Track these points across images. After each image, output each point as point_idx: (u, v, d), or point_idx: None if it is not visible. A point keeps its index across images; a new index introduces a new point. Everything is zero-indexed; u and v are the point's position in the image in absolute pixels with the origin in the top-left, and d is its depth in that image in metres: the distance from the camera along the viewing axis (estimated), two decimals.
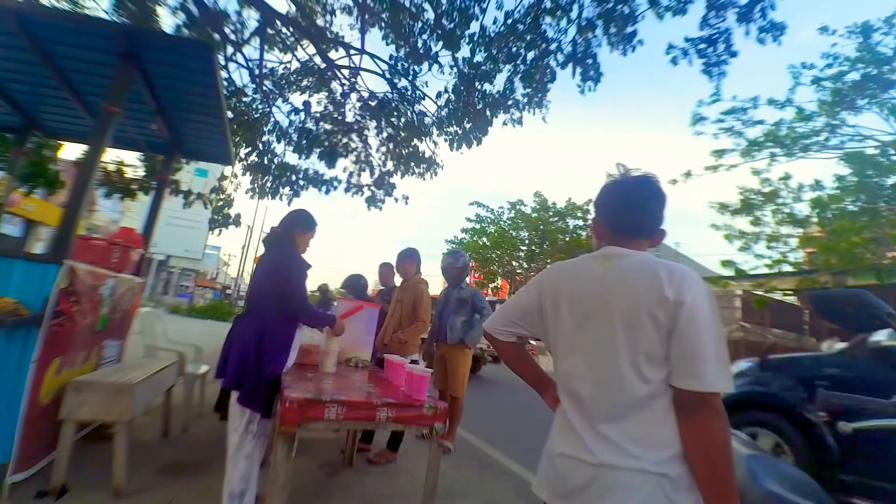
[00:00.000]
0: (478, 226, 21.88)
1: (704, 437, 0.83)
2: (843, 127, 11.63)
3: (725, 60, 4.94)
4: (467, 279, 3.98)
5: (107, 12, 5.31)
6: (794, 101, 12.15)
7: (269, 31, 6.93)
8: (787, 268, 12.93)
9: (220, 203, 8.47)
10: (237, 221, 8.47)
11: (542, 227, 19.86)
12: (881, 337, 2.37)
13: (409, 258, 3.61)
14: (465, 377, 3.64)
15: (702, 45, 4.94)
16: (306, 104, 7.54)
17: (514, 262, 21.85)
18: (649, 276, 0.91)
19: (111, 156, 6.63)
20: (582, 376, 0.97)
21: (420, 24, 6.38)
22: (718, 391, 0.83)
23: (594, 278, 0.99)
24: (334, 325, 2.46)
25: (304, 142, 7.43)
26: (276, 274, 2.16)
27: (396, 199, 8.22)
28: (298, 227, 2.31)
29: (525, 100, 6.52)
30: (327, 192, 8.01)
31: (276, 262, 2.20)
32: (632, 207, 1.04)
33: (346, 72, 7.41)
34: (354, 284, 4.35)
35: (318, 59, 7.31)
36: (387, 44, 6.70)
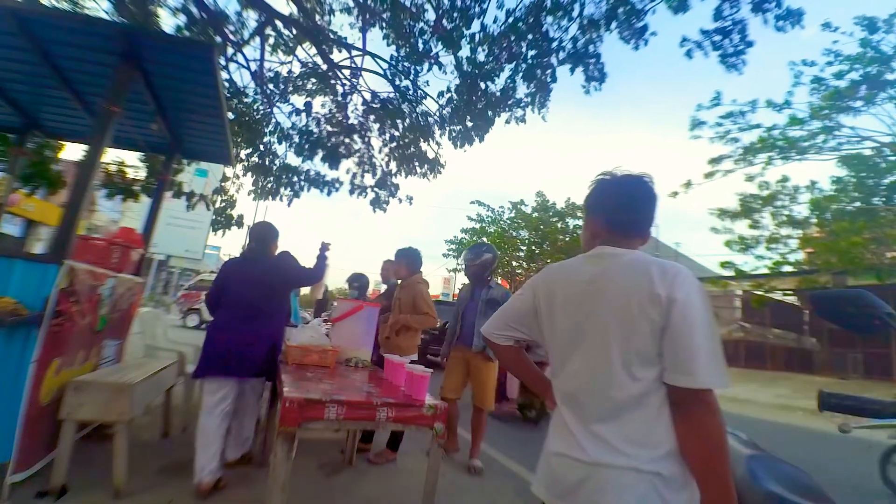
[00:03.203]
0: (478, 226, 21.86)
1: (700, 434, 0.83)
2: (841, 129, 11.64)
3: (743, 51, 4.87)
4: (498, 279, 3.86)
5: (107, 13, 5.31)
6: (793, 102, 12.15)
7: (270, 31, 6.93)
8: (787, 268, 12.94)
9: (223, 204, 8.46)
10: (239, 222, 8.46)
11: (542, 227, 19.85)
12: None
13: (400, 259, 3.54)
14: (493, 387, 3.39)
15: (717, 37, 4.89)
16: (308, 105, 7.54)
17: (514, 263, 21.84)
18: (641, 275, 0.91)
19: (112, 156, 6.63)
20: (576, 376, 0.98)
21: (421, 25, 6.37)
22: (712, 388, 0.83)
23: (588, 278, 0.99)
24: (326, 257, 2.93)
25: (307, 144, 7.43)
26: (288, 278, 2.73)
27: (401, 200, 8.20)
28: (272, 239, 2.77)
29: (529, 99, 6.50)
30: (329, 193, 8.01)
31: (277, 271, 2.68)
32: (631, 206, 1.05)
33: (347, 72, 7.41)
34: (358, 280, 4.57)
35: (319, 60, 7.31)
36: (388, 44, 6.70)
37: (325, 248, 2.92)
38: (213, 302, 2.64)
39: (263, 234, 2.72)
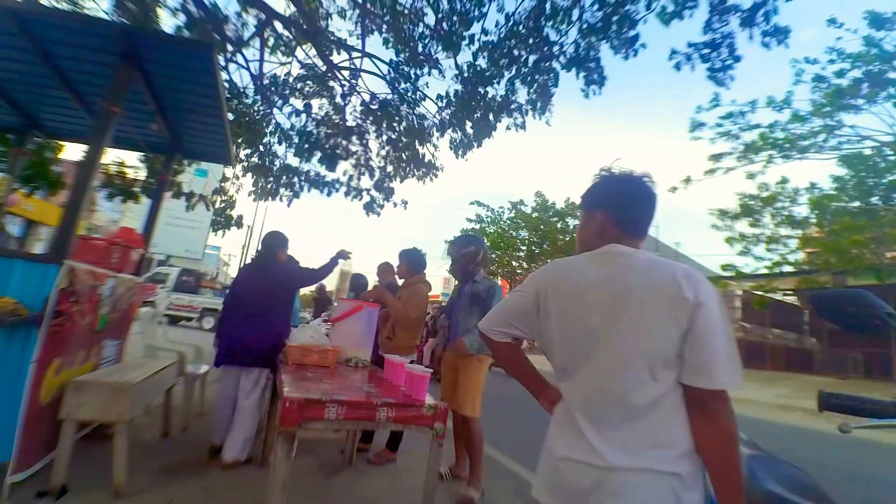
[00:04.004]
0: (477, 226, 21.84)
1: (719, 432, 0.86)
2: (842, 128, 11.62)
3: (730, 65, 4.89)
4: (498, 279, 3.73)
5: (107, 13, 5.31)
6: (793, 101, 12.13)
7: (270, 32, 6.93)
8: (787, 268, 12.95)
9: (223, 204, 8.46)
10: (239, 223, 8.47)
11: (542, 227, 19.86)
12: None
13: (403, 260, 3.50)
14: (476, 392, 2.87)
15: (705, 51, 4.91)
16: (307, 106, 7.55)
17: (514, 263, 21.83)
18: (666, 277, 0.90)
19: (112, 156, 6.64)
20: (593, 377, 0.94)
21: (420, 29, 6.38)
22: (730, 388, 0.86)
23: (603, 278, 0.96)
24: (337, 263, 3.18)
25: (306, 145, 7.43)
26: (290, 282, 3.08)
27: (395, 205, 8.20)
28: (280, 246, 3.07)
29: (529, 106, 6.49)
30: (328, 194, 8.03)
31: (282, 276, 3.00)
32: (642, 205, 1.05)
33: (346, 73, 7.41)
34: (356, 282, 4.50)
35: (318, 61, 7.31)
36: (387, 48, 6.72)
37: (342, 255, 3.17)
38: (226, 304, 3.02)
39: (271, 243, 3.07)
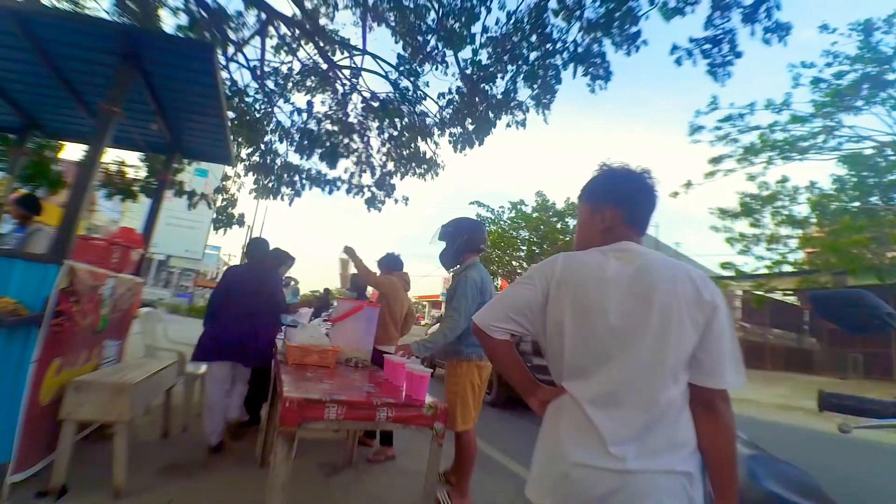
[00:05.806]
0: None
1: (724, 430, 0.89)
2: (841, 128, 11.64)
3: (731, 61, 4.91)
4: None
5: (107, 12, 5.31)
6: (791, 103, 12.16)
7: (271, 31, 6.94)
8: (787, 268, 12.96)
9: (224, 203, 8.47)
10: (241, 221, 8.47)
11: (542, 227, 19.86)
12: None
13: (379, 266, 3.82)
14: (462, 402, 2.52)
15: (706, 46, 4.92)
16: (308, 104, 7.58)
17: (514, 263, 21.82)
18: (685, 278, 0.92)
19: (112, 156, 6.65)
20: (615, 379, 0.91)
21: (425, 25, 6.38)
22: (736, 387, 0.88)
23: (624, 276, 0.93)
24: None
25: (306, 142, 7.45)
26: (267, 289, 3.25)
27: (396, 201, 8.23)
28: (265, 251, 3.40)
29: (533, 102, 6.49)
30: (329, 192, 8.05)
31: (267, 282, 3.24)
32: (650, 203, 1.04)
33: (347, 72, 7.43)
34: (355, 282, 4.54)
35: (319, 60, 7.32)
36: (395, 42, 6.72)
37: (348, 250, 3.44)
38: (216, 302, 3.08)
39: (257, 250, 3.38)
